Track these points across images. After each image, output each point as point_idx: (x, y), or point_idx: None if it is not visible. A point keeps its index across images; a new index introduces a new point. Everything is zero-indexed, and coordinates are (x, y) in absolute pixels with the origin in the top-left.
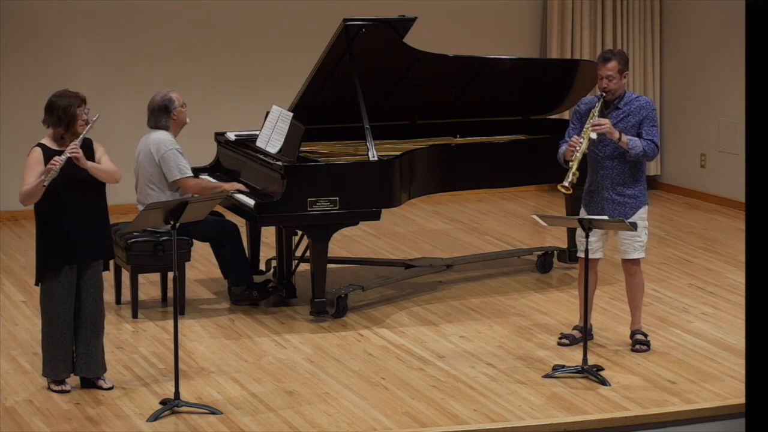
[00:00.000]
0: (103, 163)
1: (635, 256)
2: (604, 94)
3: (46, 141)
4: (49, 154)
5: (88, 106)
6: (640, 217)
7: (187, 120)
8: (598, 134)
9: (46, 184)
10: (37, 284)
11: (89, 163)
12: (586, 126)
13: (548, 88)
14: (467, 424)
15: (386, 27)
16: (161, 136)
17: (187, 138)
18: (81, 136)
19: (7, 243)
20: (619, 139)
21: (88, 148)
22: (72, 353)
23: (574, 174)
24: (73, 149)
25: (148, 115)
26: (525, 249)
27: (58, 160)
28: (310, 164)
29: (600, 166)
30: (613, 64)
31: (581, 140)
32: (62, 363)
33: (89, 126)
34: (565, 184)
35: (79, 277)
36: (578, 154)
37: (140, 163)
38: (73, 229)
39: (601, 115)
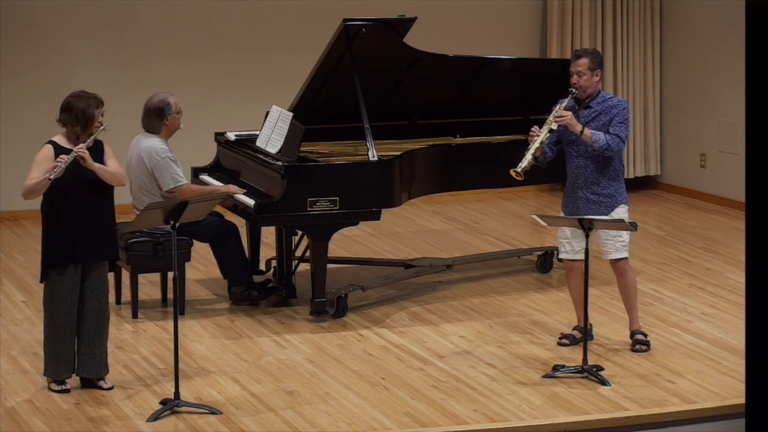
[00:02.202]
0: (110, 166)
1: (618, 255)
2: (574, 90)
3: (59, 139)
4: (60, 152)
5: (104, 108)
6: (619, 216)
7: (181, 126)
8: (559, 126)
9: (51, 177)
10: (41, 282)
11: (96, 165)
12: (549, 117)
13: (548, 88)
14: (467, 424)
15: (386, 27)
16: (153, 143)
17: (187, 138)
18: (92, 137)
19: (7, 243)
20: (581, 132)
21: (98, 150)
22: (74, 353)
23: (529, 161)
24: (80, 149)
25: (142, 114)
26: (525, 249)
27: (64, 158)
28: (310, 164)
29: (574, 165)
30: (584, 61)
31: (541, 130)
32: (63, 363)
33: (101, 129)
34: (517, 169)
35: (83, 278)
36: (536, 143)
37: (132, 169)
38: (79, 229)
39: (572, 111)
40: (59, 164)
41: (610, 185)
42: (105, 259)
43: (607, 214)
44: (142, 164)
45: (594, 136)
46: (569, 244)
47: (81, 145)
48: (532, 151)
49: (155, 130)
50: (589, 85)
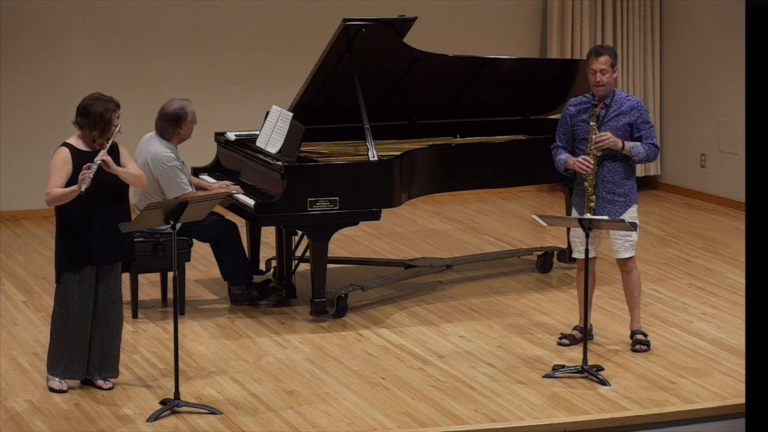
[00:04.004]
0: (130, 168)
1: (626, 255)
2: (596, 102)
3: (74, 141)
4: (77, 155)
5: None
6: (631, 216)
7: (191, 135)
8: (603, 149)
9: (83, 190)
10: (57, 283)
11: (119, 169)
12: (589, 145)
13: (548, 88)
14: (467, 424)
15: (386, 27)
16: (160, 150)
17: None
18: (110, 141)
19: (7, 243)
20: (623, 147)
21: (114, 152)
22: (86, 354)
23: (593, 201)
24: (102, 156)
25: (157, 118)
26: (525, 249)
27: (90, 167)
28: (310, 164)
29: None
30: (605, 58)
31: (590, 162)
32: (75, 364)
33: (116, 131)
34: (588, 215)
35: (98, 280)
36: (592, 175)
37: None
38: (97, 232)
39: (592, 114)
40: (87, 175)
41: (625, 184)
42: (122, 261)
43: (621, 214)
44: (147, 169)
45: (633, 149)
46: (582, 244)
47: (103, 152)
48: (591, 185)
49: (167, 136)
50: (611, 83)
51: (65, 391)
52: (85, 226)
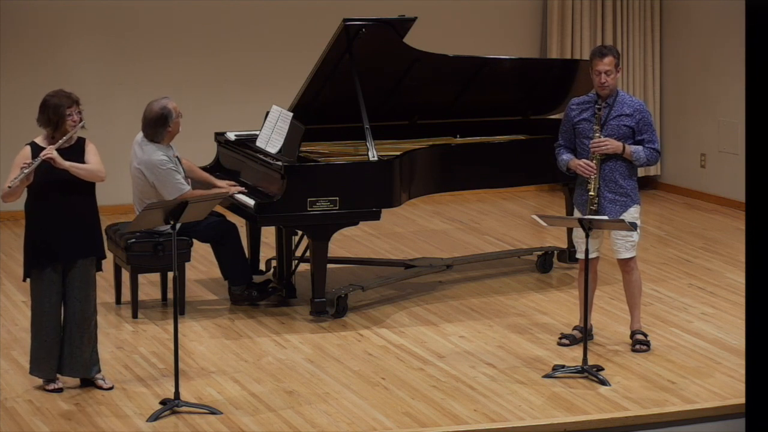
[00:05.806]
0: (89, 163)
1: (627, 255)
2: (602, 91)
3: (39, 140)
4: (37, 152)
5: (83, 107)
6: (632, 216)
7: (179, 128)
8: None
9: (11, 186)
10: (24, 280)
11: (67, 163)
12: (592, 150)
13: (548, 88)
14: (467, 424)
15: (386, 27)
16: (152, 156)
17: (187, 138)
18: (66, 136)
19: (7, 243)
20: (623, 151)
21: (79, 148)
22: (57, 352)
23: (596, 204)
24: (47, 153)
25: (143, 125)
26: (525, 249)
27: (28, 163)
28: (310, 164)
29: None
30: (610, 59)
31: (593, 167)
32: (46, 362)
33: (77, 127)
34: (592, 207)
35: (64, 277)
36: (592, 182)
37: (133, 175)
38: (56, 228)
39: (594, 113)
40: (24, 169)
41: (627, 183)
42: (85, 257)
43: (621, 214)
44: (142, 175)
45: (635, 154)
46: (583, 243)
47: (49, 148)
48: (595, 192)
49: (158, 138)
50: (615, 83)
51: (60, 390)
52: (44, 222)
